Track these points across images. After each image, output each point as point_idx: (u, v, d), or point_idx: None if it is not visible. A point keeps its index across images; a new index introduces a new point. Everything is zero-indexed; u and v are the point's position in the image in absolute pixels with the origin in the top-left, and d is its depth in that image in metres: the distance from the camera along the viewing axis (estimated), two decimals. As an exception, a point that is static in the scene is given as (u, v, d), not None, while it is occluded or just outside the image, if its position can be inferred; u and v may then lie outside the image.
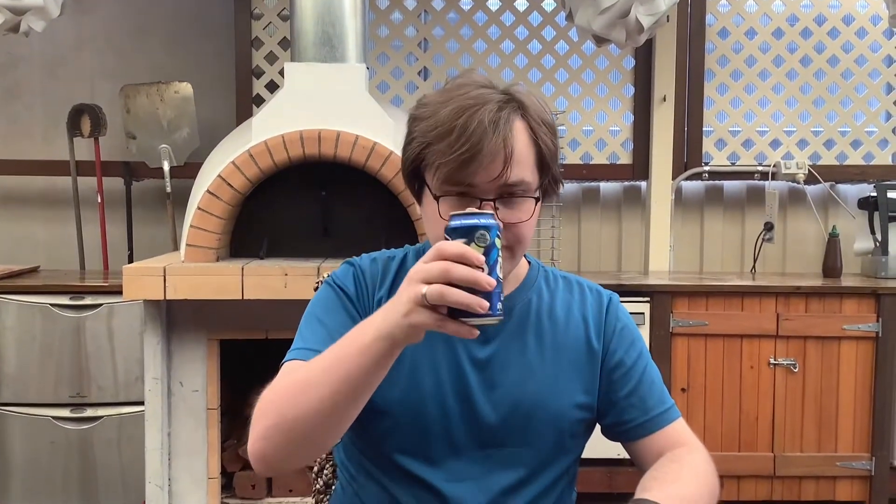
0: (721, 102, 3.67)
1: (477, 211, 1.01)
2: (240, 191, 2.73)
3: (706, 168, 3.65)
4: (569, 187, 3.67)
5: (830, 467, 3.08)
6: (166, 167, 3.43)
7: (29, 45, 3.52)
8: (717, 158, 3.68)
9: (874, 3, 3.63)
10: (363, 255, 1.30)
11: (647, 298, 3.04)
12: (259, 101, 3.53)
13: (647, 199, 3.68)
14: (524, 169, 1.13)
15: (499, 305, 0.97)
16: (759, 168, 3.65)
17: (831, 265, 3.40)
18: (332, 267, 2.34)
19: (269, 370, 1.16)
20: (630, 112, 3.67)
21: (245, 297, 2.58)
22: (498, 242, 0.98)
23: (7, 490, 3.01)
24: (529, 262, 1.31)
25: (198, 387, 2.73)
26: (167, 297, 2.57)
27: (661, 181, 3.60)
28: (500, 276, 0.98)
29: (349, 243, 2.75)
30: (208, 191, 2.71)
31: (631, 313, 1.32)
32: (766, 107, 3.69)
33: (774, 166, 3.61)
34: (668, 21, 3.36)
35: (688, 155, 3.65)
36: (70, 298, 2.96)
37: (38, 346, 2.96)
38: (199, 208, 2.71)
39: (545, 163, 1.16)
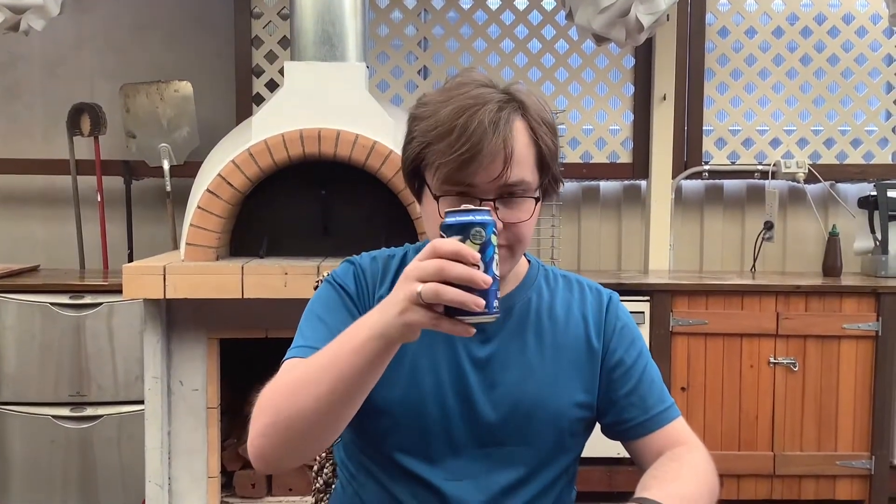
0: (721, 101, 3.67)
1: (472, 208, 0.99)
2: (240, 190, 2.73)
3: (706, 167, 3.65)
4: (569, 186, 3.66)
5: (830, 466, 3.08)
6: (166, 166, 3.42)
7: (29, 44, 3.51)
8: (717, 157, 3.68)
9: (874, 3, 3.63)
10: (363, 253, 1.30)
11: (647, 297, 3.04)
12: (259, 99, 3.53)
13: (646, 198, 3.68)
14: (524, 169, 1.13)
15: (495, 303, 0.95)
16: (759, 167, 3.65)
17: (831, 264, 3.40)
18: (331, 266, 2.33)
19: (269, 369, 1.16)
20: (630, 111, 3.67)
21: (245, 296, 2.58)
22: (494, 239, 0.96)
23: (7, 489, 3.01)
24: (529, 261, 1.31)
25: (198, 386, 2.74)
26: (167, 296, 2.57)
27: (660, 180, 3.60)
28: (497, 273, 0.96)
29: (349, 242, 2.74)
30: (208, 190, 2.71)
31: (631, 312, 1.32)
32: (766, 106, 3.69)
33: (774, 165, 3.61)
34: (667, 20, 3.35)
35: (688, 154, 3.65)
36: (70, 297, 2.96)
37: (38, 345, 2.96)
38: (198, 207, 2.70)
39: (545, 162, 1.16)
